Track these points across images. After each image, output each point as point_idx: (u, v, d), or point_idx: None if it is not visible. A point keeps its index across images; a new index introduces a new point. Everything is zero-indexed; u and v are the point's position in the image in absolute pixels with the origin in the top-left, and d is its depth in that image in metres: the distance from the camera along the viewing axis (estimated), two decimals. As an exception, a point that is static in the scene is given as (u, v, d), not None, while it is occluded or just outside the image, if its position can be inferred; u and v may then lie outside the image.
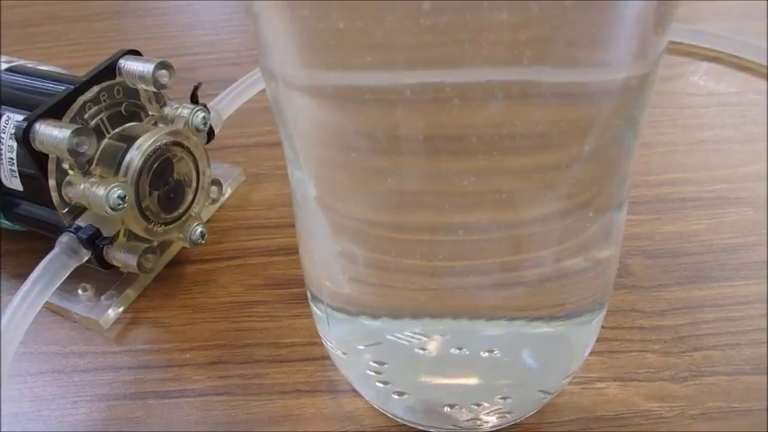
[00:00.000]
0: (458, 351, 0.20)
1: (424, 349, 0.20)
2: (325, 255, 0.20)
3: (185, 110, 0.29)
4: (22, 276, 0.25)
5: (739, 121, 0.36)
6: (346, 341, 0.22)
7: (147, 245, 0.28)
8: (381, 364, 0.21)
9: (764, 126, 0.36)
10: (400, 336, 0.19)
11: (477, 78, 0.14)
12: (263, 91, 0.37)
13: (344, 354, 0.22)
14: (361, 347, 0.21)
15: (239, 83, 0.36)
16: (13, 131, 0.27)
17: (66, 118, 0.26)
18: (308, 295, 0.22)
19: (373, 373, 0.21)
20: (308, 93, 0.16)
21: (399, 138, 0.15)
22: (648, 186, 0.33)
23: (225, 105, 0.34)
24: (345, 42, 0.14)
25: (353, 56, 0.14)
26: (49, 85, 0.28)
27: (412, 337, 0.19)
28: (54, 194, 0.26)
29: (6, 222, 0.30)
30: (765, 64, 0.40)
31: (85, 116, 0.27)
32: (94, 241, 0.26)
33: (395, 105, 0.15)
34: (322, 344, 0.24)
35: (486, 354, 0.20)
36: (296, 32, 0.14)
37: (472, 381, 0.21)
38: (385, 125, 0.15)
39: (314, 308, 0.22)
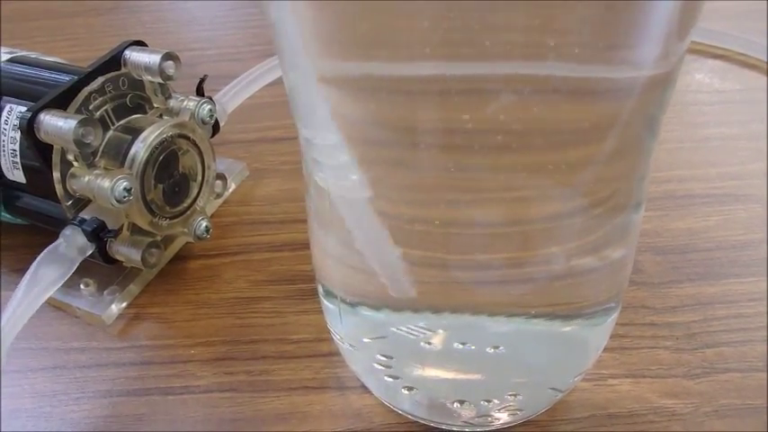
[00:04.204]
0: (462, 346, 0.19)
1: (429, 343, 0.19)
2: (337, 246, 0.19)
3: (191, 102, 0.28)
4: (22, 271, 0.25)
5: (745, 118, 0.36)
6: (358, 335, 0.21)
7: (150, 239, 0.28)
8: (389, 357, 0.21)
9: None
10: (404, 329, 0.19)
11: (497, 72, 0.14)
12: (267, 86, 0.37)
13: (358, 349, 0.22)
14: (370, 341, 0.21)
15: (243, 77, 0.35)
16: (16, 122, 0.26)
17: (71, 109, 0.26)
18: (320, 290, 0.22)
19: (382, 368, 0.21)
20: (328, 83, 0.16)
21: (417, 130, 0.15)
22: (656, 183, 0.32)
23: (230, 99, 0.34)
24: (368, 34, 0.14)
25: (375, 47, 0.14)
26: (53, 76, 0.28)
27: (417, 331, 0.19)
28: (58, 186, 0.26)
29: (7, 216, 0.29)
30: (766, 61, 0.40)
31: (90, 107, 0.26)
32: (99, 234, 0.26)
33: (414, 98, 0.14)
34: (329, 340, 0.24)
35: (492, 350, 0.19)
36: (318, 23, 0.14)
37: (479, 377, 0.21)
38: (403, 117, 0.15)
39: (326, 302, 0.22)
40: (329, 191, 0.18)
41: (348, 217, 0.18)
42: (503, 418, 0.22)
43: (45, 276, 0.24)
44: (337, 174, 0.17)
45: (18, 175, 0.27)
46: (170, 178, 0.28)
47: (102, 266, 0.28)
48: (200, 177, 0.29)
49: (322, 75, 0.15)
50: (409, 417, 0.23)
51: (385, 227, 0.17)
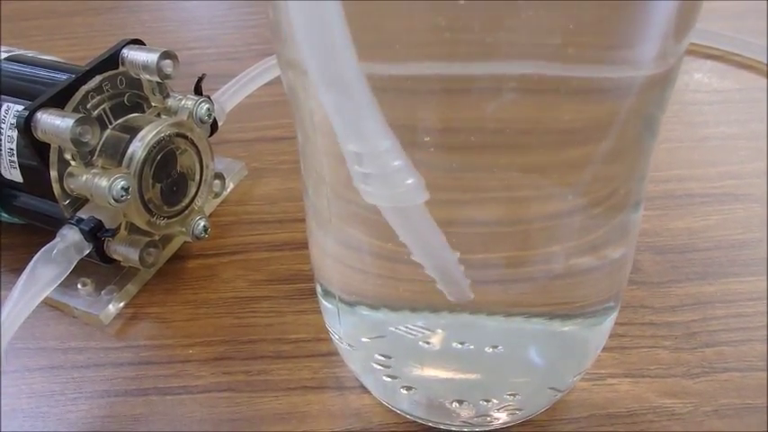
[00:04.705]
0: (460, 346, 0.19)
1: (428, 343, 0.19)
2: (336, 246, 0.19)
3: (189, 101, 0.28)
4: (20, 271, 0.24)
5: (744, 117, 0.36)
6: (357, 335, 0.21)
7: (148, 239, 0.27)
8: (388, 357, 0.21)
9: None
10: (402, 328, 0.19)
11: (497, 72, 0.14)
12: (266, 85, 0.37)
13: (356, 348, 0.21)
14: (369, 340, 0.21)
15: (242, 76, 0.35)
16: (13, 121, 0.26)
17: (69, 108, 0.25)
18: (318, 289, 0.22)
19: (381, 367, 0.21)
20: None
21: (414, 130, 0.15)
22: (655, 182, 0.32)
23: (228, 98, 0.34)
24: (367, 34, 0.14)
25: (375, 47, 0.14)
26: (51, 75, 0.27)
27: (416, 330, 0.19)
28: (55, 185, 0.25)
29: (5, 215, 0.29)
30: (766, 62, 0.39)
31: (88, 106, 0.26)
32: (96, 234, 0.25)
33: (412, 97, 0.14)
34: (328, 340, 0.24)
35: (491, 349, 0.19)
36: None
37: (478, 376, 0.21)
38: (403, 117, 0.15)
39: (324, 302, 0.22)
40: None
41: (403, 228, 0.16)
42: (502, 417, 0.22)
43: (42, 276, 0.24)
44: (390, 182, 0.16)
45: (15, 174, 0.27)
46: (168, 177, 0.28)
47: (99, 266, 0.28)
48: (198, 177, 0.29)
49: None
50: (408, 416, 0.23)
51: (380, 226, 0.17)
